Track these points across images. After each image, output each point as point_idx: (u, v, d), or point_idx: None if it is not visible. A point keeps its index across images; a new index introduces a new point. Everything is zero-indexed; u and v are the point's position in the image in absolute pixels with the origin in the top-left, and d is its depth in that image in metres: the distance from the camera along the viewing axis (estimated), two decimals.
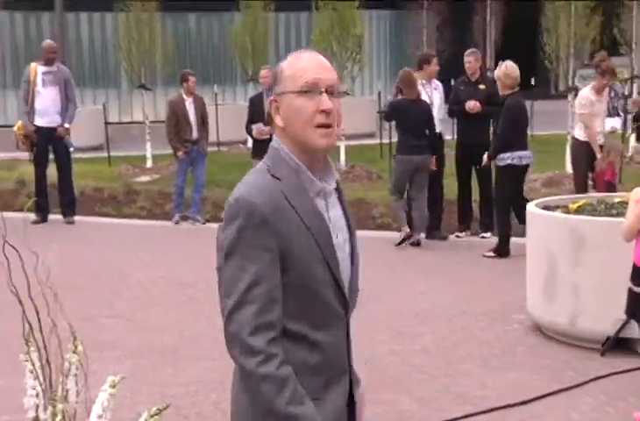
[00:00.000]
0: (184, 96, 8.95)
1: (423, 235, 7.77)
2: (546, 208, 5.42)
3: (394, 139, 8.62)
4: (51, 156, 9.12)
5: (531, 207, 5.44)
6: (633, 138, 12.08)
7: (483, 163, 7.46)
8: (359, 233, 2.09)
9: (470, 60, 8.19)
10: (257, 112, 8.63)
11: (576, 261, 4.95)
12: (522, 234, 7.60)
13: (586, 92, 7.61)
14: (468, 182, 8.11)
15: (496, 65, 16.28)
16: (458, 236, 8.06)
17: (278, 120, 1.86)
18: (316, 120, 1.83)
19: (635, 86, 13.44)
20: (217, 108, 13.93)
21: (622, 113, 11.73)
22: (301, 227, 1.80)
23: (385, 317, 5.61)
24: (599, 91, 7.60)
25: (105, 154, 12.72)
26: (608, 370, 4.59)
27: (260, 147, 8.77)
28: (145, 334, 5.38)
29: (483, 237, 7.96)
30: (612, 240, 4.48)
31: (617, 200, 5.38)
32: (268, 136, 8.51)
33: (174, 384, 4.51)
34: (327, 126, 1.83)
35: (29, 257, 2.47)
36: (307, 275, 1.81)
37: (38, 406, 2.26)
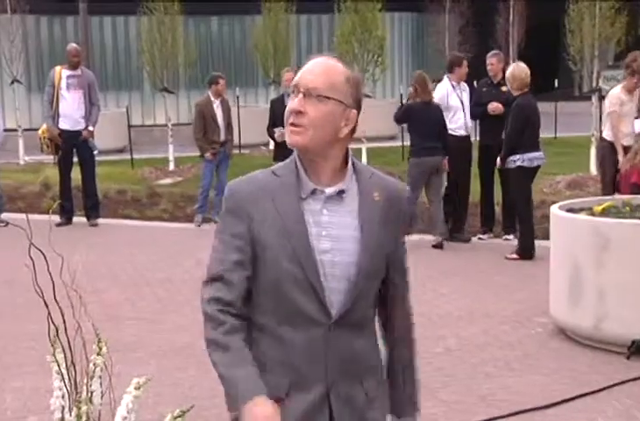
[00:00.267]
0: (212, 99, 8.99)
1: (438, 237, 7.70)
2: (570, 210, 5.38)
3: None
4: (75, 159, 9.19)
5: (555, 209, 5.40)
6: None
7: (497, 166, 7.45)
8: None
9: (492, 61, 8.16)
10: (278, 115, 8.65)
11: (601, 264, 4.91)
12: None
13: (617, 91, 7.56)
14: (491, 184, 8.07)
15: None
16: (480, 238, 8.02)
17: None
18: (289, 120, 1.90)
19: None
20: (239, 110, 13.98)
21: None
22: (276, 223, 1.86)
23: None
24: (630, 91, 7.52)
25: (128, 157, 12.80)
26: (634, 374, 4.54)
27: (282, 150, 8.80)
28: (168, 335, 5.40)
29: (506, 239, 7.92)
30: (637, 243, 4.44)
31: None
32: None
33: (196, 386, 4.53)
34: (293, 125, 1.89)
35: (54, 259, 2.49)
36: (274, 269, 1.87)
37: (63, 407, 2.28)
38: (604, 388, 4.38)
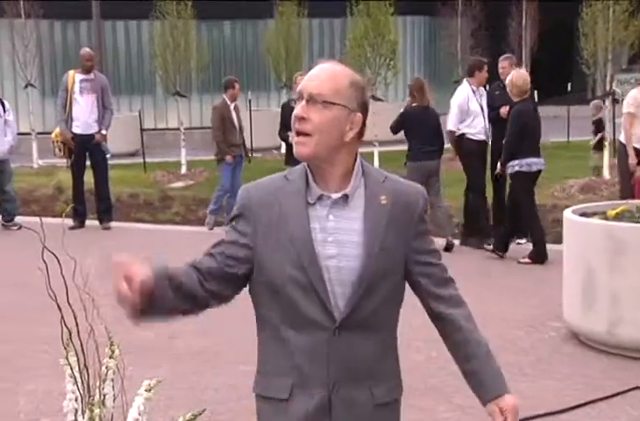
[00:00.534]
0: (228, 102, 9.03)
1: (445, 240, 7.70)
2: (583, 214, 5.36)
3: None
4: (88, 163, 9.23)
5: (568, 214, 5.38)
6: None
7: (496, 171, 7.45)
8: None
9: (504, 65, 8.14)
10: (289, 118, 8.65)
11: (614, 268, 4.88)
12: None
13: (635, 92, 7.53)
14: (503, 188, 8.05)
15: (532, 70, 16.15)
16: (519, 243, 7.97)
17: None
18: (294, 126, 1.91)
19: None
20: (251, 114, 14.01)
21: None
22: (280, 228, 1.87)
23: (421, 323, 5.57)
24: None
25: (141, 160, 12.85)
26: None
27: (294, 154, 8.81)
28: (180, 339, 5.41)
29: (518, 243, 7.89)
30: None
31: None
32: None
33: (209, 389, 4.53)
34: (297, 133, 1.90)
35: (67, 262, 2.49)
36: (278, 274, 1.88)
37: (76, 410, 2.28)
38: (618, 394, 4.35)
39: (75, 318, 2.43)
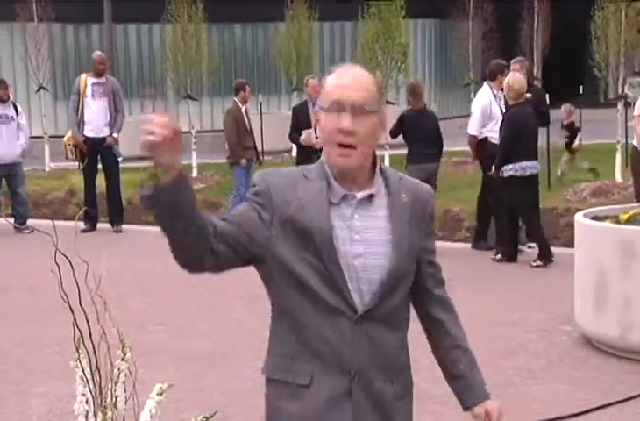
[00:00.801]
0: (240, 105, 9.05)
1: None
2: (595, 218, 5.34)
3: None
4: (99, 166, 9.27)
5: (580, 217, 5.36)
6: None
7: (490, 174, 7.44)
8: None
9: (516, 68, 8.13)
10: (300, 121, 8.68)
11: (627, 272, 4.86)
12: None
13: None
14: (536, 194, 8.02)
15: (544, 73, 16.09)
16: (530, 247, 7.95)
17: (319, 132, 1.96)
18: (336, 139, 1.88)
19: None
20: (262, 117, 14.04)
21: None
22: (300, 223, 1.86)
23: None
24: None
25: (152, 164, 12.87)
26: None
27: (305, 156, 8.82)
28: (192, 342, 5.42)
29: (529, 247, 7.86)
30: None
31: None
32: (317, 146, 8.55)
33: (219, 391, 4.53)
34: (345, 146, 1.87)
35: (78, 265, 2.51)
36: (298, 265, 1.87)
37: (87, 412, 2.29)
38: (629, 399, 4.33)
39: (87, 321, 2.44)
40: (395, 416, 1.97)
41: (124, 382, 2.37)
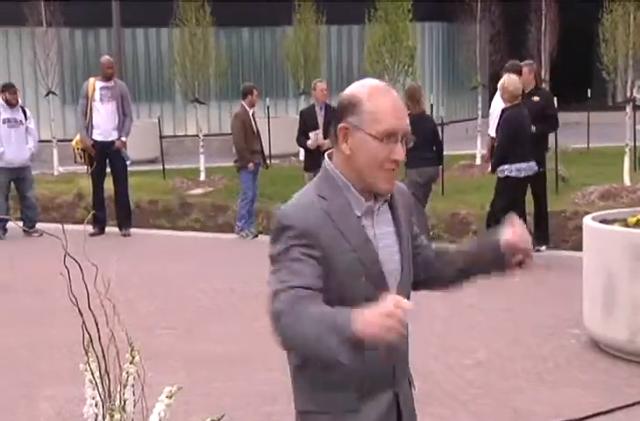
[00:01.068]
0: (247, 109, 9.05)
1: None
2: (603, 221, 5.32)
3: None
4: (108, 169, 9.29)
5: (588, 220, 5.35)
6: None
7: (485, 174, 7.46)
8: None
9: (524, 71, 8.11)
10: (308, 125, 8.69)
11: (635, 276, 4.84)
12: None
13: None
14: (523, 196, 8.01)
15: (551, 76, 16.03)
16: (538, 250, 7.93)
17: (344, 148, 1.88)
18: (386, 166, 1.86)
19: None
20: (270, 121, 14.06)
21: None
22: (343, 246, 1.83)
23: (438, 331, 5.56)
24: None
25: (160, 167, 12.92)
26: None
27: (313, 160, 8.82)
28: (200, 345, 5.43)
29: (538, 250, 7.84)
30: None
31: None
32: (323, 149, 8.56)
33: (227, 395, 4.54)
34: (394, 171, 1.88)
35: (87, 269, 2.52)
36: (345, 292, 1.85)
37: (97, 415, 2.30)
38: (638, 403, 4.31)
39: (96, 324, 2.45)
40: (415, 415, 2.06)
41: (132, 386, 2.38)
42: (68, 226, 3.03)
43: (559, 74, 16.13)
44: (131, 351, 2.45)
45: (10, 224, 9.12)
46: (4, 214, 9.09)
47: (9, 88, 9.41)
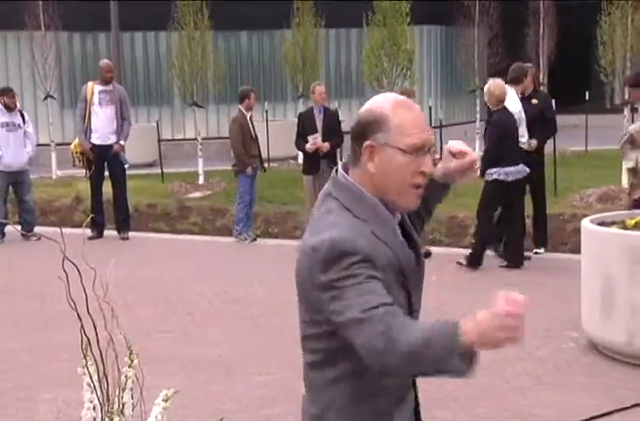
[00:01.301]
0: (245, 113, 9.04)
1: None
2: (602, 224, 5.33)
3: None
4: (106, 173, 9.29)
5: (586, 223, 5.35)
6: None
7: (473, 179, 7.44)
8: None
9: None
10: (306, 128, 8.69)
11: (633, 278, 4.85)
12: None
13: None
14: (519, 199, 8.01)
15: (550, 79, 16.04)
16: (537, 253, 7.91)
17: (370, 166, 1.84)
18: (415, 180, 1.84)
19: None
20: (268, 124, 14.06)
21: None
22: (394, 264, 1.82)
23: None
24: None
25: (158, 171, 12.93)
26: None
27: (312, 163, 8.84)
28: (198, 348, 5.42)
29: (536, 252, 7.85)
30: None
31: None
32: (322, 152, 8.56)
33: (226, 399, 4.54)
34: (421, 186, 1.85)
35: (86, 272, 2.52)
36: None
37: (95, 419, 2.30)
38: (636, 405, 4.32)
39: (95, 327, 2.45)
40: None
41: (131, 389, 2.38)
42: (67, 230, 3.04)
43: (558, 77, 16.15)
44: (130, 354, 2.45)
45: (8, 228, 9.12)
46: (3, 218, 9.08)
47: (7, 92, 9.41)
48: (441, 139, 11.89)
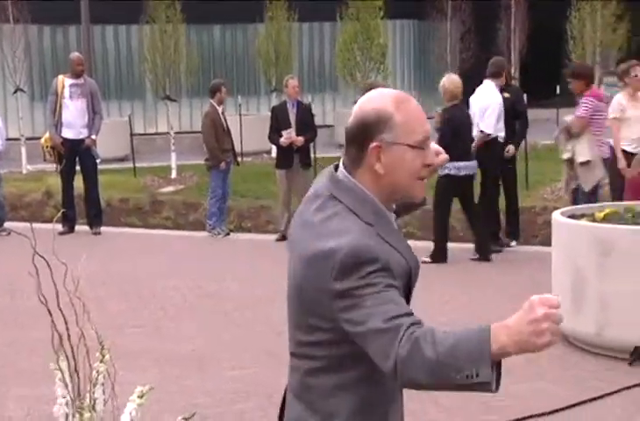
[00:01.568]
0: (217, 107, 8.99)
1: None
2: (572, 216, 5.39)
3: None
4: (77, 168, 9.21)
5: (557, 215, 5.41)
6: None
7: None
8: None
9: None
10: (280, 121, 8.67)
11: (603, 270, 4.91)
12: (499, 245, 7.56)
13: (620, 97, 7.57)
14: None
15: (521, 73, 16.15)
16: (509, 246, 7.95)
17: (378, 167, 1.80)
18: (422, 173, 1.84)
19: None
20: (241, 118, 14.02)
21: None
22: (405, 269, 1.81)
23: None
24: (632, 96, 7.49)
25: (131, 165, 12.84)
26: (637, 380, 4.54)
27: (285, 157, 8.83)
28: (171, 343, 5.41)
29: (509, 245, 7.91)
30: (639, 249, 4.45)
31: None
32: (296, 146, 8.56)
33: (199, 393, 4.53)
34: (425, 177, 1.86)
35: (57, 267, 2.50)
36: None
37: (67, 415, 2.29)
38: (607, 395, 4.38)
39: (66, 323, 2.43)
40: None
41: (102, 384, 2.37)
42: (37, 225, 3.01)
43: (529, 71, 16.28)
44: (102, 349, 2.44)
45: None
46: None
47: None
48: None
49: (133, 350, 5.16)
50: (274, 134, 8.69)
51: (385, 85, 8.51)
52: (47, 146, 9.04)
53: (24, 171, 13.09)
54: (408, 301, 1.84)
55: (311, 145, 9.05)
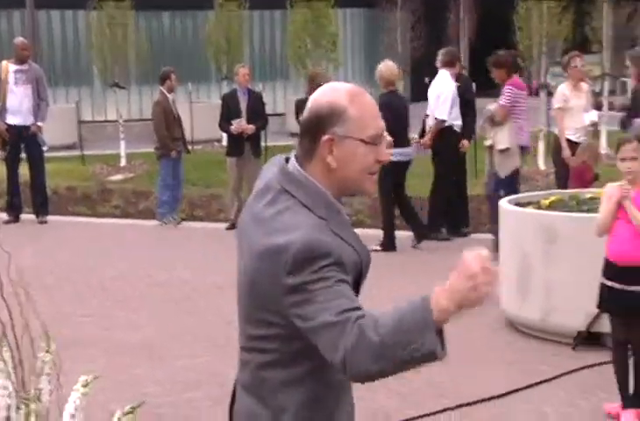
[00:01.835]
0: (167, 95, 8.89)
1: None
2: (518, 204, 5.48)
3: None
4: (23, 155, 9.04)
5: (503, 203, 5.49)
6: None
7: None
8: None
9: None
10: (231, 109, 8.62)
11: (548, 257, 5.01)
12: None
13: (563, 87, 7.70)
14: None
15: (471, 62, 16.32)
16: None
17: (330, 160, 1.80)
18: (373, 169, 1.84)
19: (606, 84, 13.59)
20: (192, 106, 13.89)
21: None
22: (357, 262, 1.82)
23: None
24: (575, 87, 7.62)
25: (78, 153, 12.64)
26: (580, 364, 4.65)
27: (236, 145, 8.78)
28: (119, 332, 5.36)
29: (465, 234, 7.98)
30: (583, 236, 4.54)
31: (589, 196, 5.45)
32: (246, 134, 8.51)
33: (149, 382, 4.51)
34: (376, 172, 1.86)
35: (1, 256, 2.46)
36: None
37: (10, 406, 2.25)
38: (551, 379, 4.48)
39: (10, 313, 2.39)
40: None
41: (48, 375, 2.34)
42: None
43: (477, 60, 16.45)
44: (47, 339, 2.41)
45: None
46: None
47: None
48: None
49: (82, 339, 5.10)
50: (225, 122, 8.64)
51: (327, 75, 8.48)
52: None
53: None
54: (358, 292, 1.85)
55: (262, 133, 9.01)
